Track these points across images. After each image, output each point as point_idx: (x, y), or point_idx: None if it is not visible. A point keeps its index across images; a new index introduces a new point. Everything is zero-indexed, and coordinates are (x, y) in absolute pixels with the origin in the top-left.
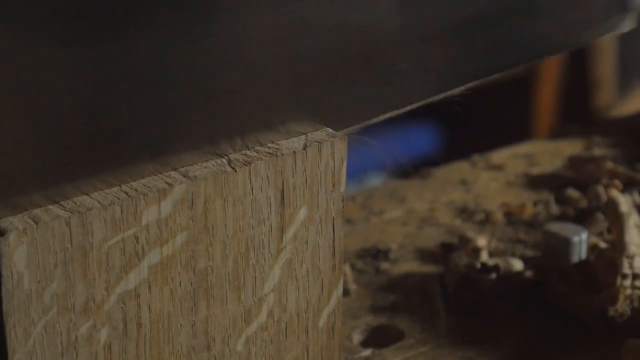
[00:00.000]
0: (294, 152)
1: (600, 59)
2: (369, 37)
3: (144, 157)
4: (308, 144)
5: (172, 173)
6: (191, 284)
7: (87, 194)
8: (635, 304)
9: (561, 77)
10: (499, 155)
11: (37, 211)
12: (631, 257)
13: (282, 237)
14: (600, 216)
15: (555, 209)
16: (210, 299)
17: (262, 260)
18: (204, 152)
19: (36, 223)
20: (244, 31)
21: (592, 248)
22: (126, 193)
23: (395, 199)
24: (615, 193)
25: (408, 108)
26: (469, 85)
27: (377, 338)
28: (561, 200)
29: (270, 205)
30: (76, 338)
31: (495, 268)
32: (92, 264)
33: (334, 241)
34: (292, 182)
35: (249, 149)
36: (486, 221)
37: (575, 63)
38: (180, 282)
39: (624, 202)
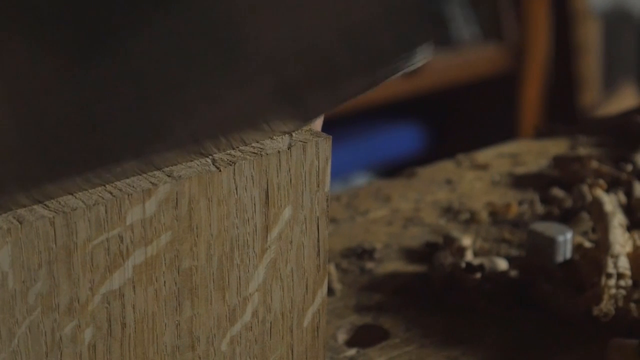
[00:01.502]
0: (279, 151)
1: (586, 58)
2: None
3: (128, 156)
4: (292, 144)
5: (157, 173)
6: (175, 283)
7: (72, 194)
8: (620, 303)
9: (546, 77)
10: (484, 155)
11: (21, 211)
12: (616, 257)
13: (267, 236)
14: (585, 215)
15: (540, 208)
16: (195, 298)
17: (246, 260)
18: (188, 152)
19: (20, 223)
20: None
21: (577, 247)
22: (110, 193)
23: (380, 199)
24: (599, 192)
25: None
26: None
27: (361, 337)
28: (546, 199)
29: (254, 205)
30: (60, 338)
31: (480, 268)
32: (76, 263)
33: (318, 241)
34: (277, 182)
35: (233, 149)
36: (471, 221)
37: (561, 63)
38: (164, 282)
39: (609, 202)
